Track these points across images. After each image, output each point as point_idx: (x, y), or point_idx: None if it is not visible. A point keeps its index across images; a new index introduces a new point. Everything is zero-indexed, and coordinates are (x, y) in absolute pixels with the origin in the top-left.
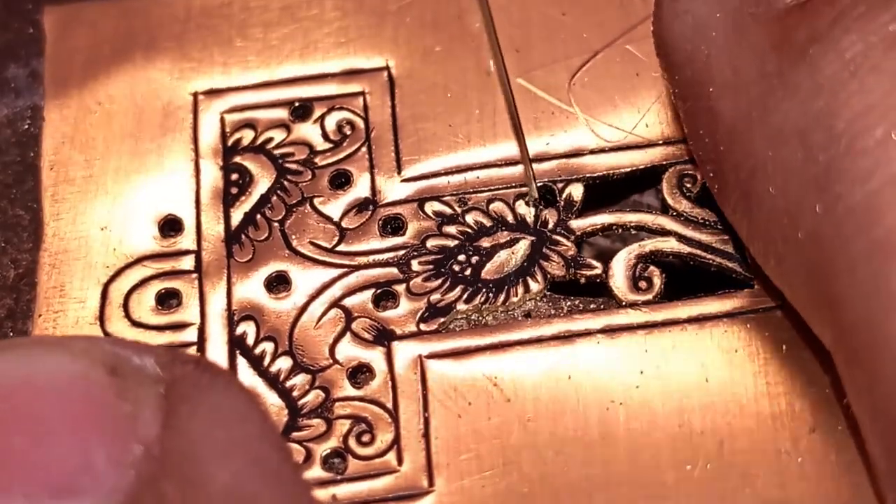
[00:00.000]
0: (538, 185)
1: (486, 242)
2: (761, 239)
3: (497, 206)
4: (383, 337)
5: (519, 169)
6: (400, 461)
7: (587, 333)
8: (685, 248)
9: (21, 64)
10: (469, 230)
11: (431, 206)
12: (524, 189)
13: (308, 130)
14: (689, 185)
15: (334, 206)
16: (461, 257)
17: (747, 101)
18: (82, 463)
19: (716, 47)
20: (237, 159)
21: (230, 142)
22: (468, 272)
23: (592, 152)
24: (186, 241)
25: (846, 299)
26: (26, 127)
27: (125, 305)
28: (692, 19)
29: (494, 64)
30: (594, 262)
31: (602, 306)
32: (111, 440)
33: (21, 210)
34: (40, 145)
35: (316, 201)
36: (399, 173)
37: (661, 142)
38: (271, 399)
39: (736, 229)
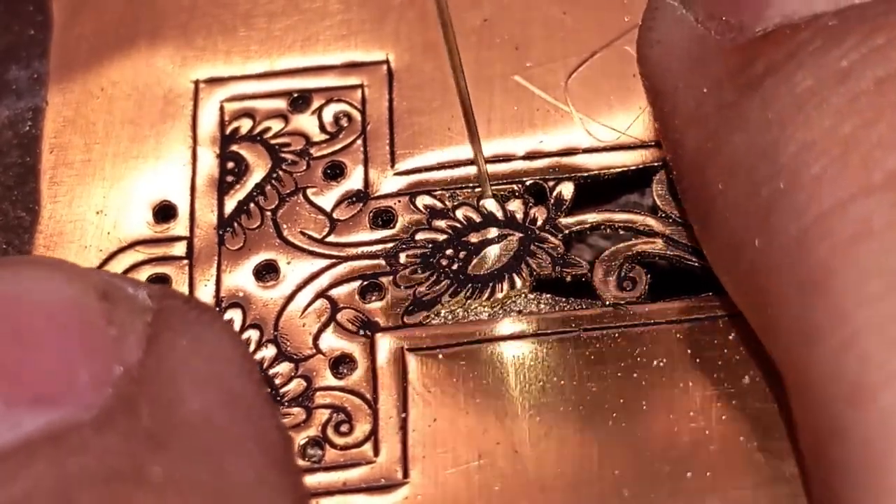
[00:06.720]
0: (528, 182)
1: (474, 238)
2: (716, 270)
3: (487, 202)
4: (367, 328)
5: (511, 166)
6: (376, 452)
7: (570, 331)
8: (672, 250)
9: (22, 66)
10: (458, 225)
11: (422, 200)
12: (514, 186)
13: (305, 121)
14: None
15: (327, 197)
16: (449, 252)
17: (706, 134)
18: (64, 377)
19: (682, 79)
20: (234, 148)
21: (228, 130)
22: (455, 267)
23: (585, 151)
24: (180, 227)
25: (778, 334)
26: (27, 129)
27: None
28: (663, 49)
29: (451, 61)
30: (580, 261)
31: (586, 304)
32: (94, 359)
33: (23, 212)
34: (42, 146)
35: (309, 192)
36: (392, 166)
37: (653, 143)
38: None
39: None
